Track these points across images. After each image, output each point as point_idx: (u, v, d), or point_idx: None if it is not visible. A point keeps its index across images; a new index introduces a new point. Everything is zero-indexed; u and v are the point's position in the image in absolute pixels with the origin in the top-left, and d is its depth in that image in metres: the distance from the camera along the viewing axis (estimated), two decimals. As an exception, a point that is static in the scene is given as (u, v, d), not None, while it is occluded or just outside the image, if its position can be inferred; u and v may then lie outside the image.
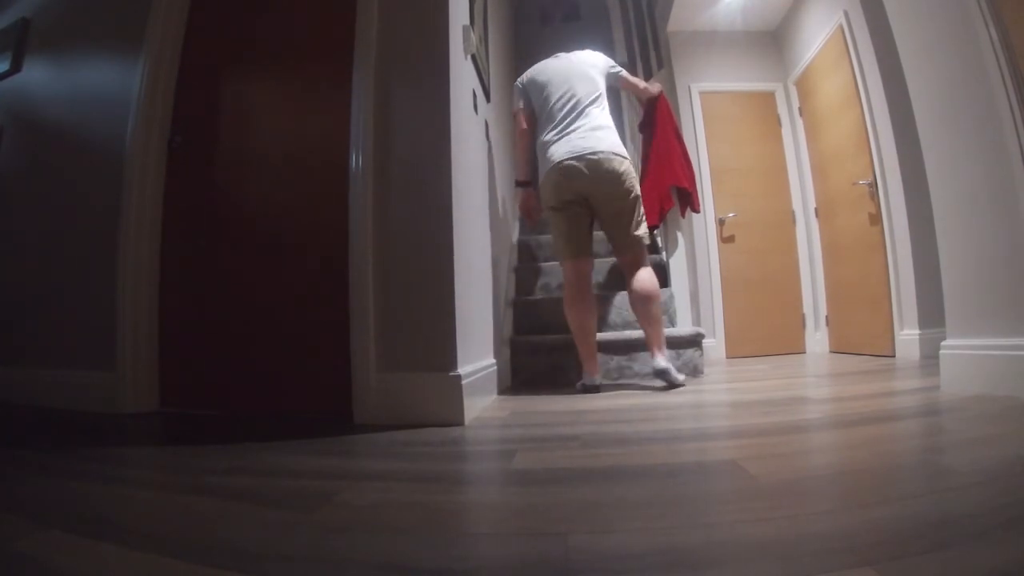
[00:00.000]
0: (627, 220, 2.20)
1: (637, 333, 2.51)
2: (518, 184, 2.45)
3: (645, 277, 2.18)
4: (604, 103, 2.29)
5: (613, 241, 2.25)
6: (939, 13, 1.64)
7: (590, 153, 2.13)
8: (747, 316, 3.78)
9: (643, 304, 2.16)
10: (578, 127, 2.19)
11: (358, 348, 1.57)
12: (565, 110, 2.22)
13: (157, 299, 1.91)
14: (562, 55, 2.40)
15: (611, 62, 2.40)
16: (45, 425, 1.62)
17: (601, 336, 2.51)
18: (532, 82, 2.34)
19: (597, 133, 2.18)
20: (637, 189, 2.24)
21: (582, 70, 2.30)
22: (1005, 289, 1.49)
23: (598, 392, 2.10)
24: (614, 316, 2.75)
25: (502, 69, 3.34)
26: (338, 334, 1.62)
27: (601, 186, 2.14)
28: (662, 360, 2.08)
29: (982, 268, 1.57)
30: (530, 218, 2.46)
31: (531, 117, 2.34)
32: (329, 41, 1.80)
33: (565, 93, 2.24)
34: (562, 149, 2.15)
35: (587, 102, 2.23)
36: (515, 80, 2.46)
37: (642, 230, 2.24)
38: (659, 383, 2.13)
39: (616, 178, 2.15)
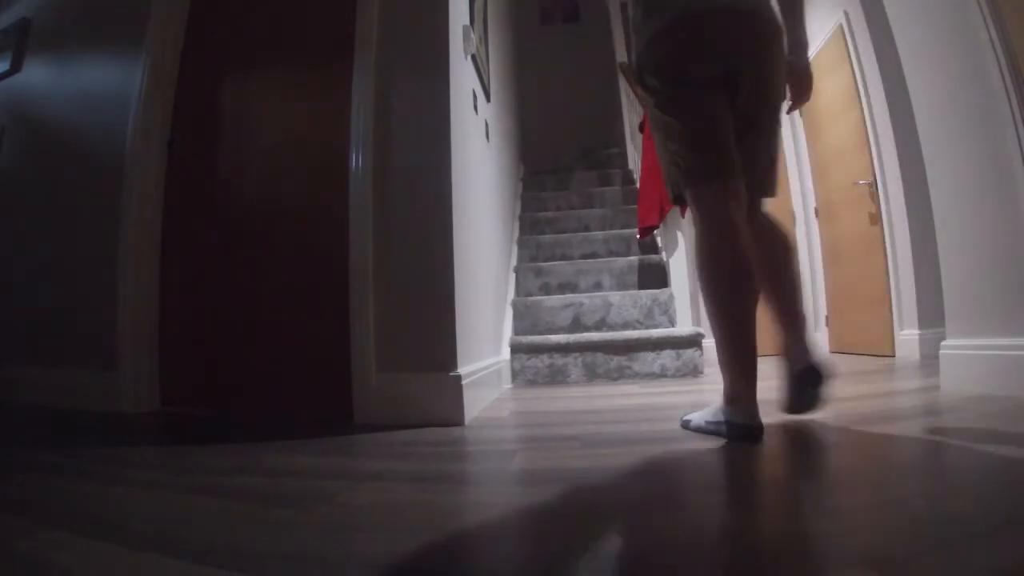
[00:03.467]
0: None
1: (637, 333, 2.51)
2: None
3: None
4: None
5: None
6: (939, 13, 1.64)
7: None
8: (747, 316, 3.77)
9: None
10: None
11: (358, 348, 1.57)
12: None
13: (157, 299, 1.91)
14: None
15: None
16: (46, 425, 1.62)
17: (601, 336, 2.51)
18: None
19: None
20: None
21: None
22: (1005, 289, 1.49)
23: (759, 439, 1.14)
24: (613, 316, 2.75)
25: (502, 69, 3.34)
26: (338, 334, 1.62)
27: None
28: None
29: (982, 268, 1.57)
30: None
31: None
32: (329, 41, 1.80)
33: None
34: None
35: None
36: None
37: None
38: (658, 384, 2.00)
39: None
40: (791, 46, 1.28)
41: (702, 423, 1.24)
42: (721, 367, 1.21)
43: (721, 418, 1.18)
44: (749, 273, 1.17)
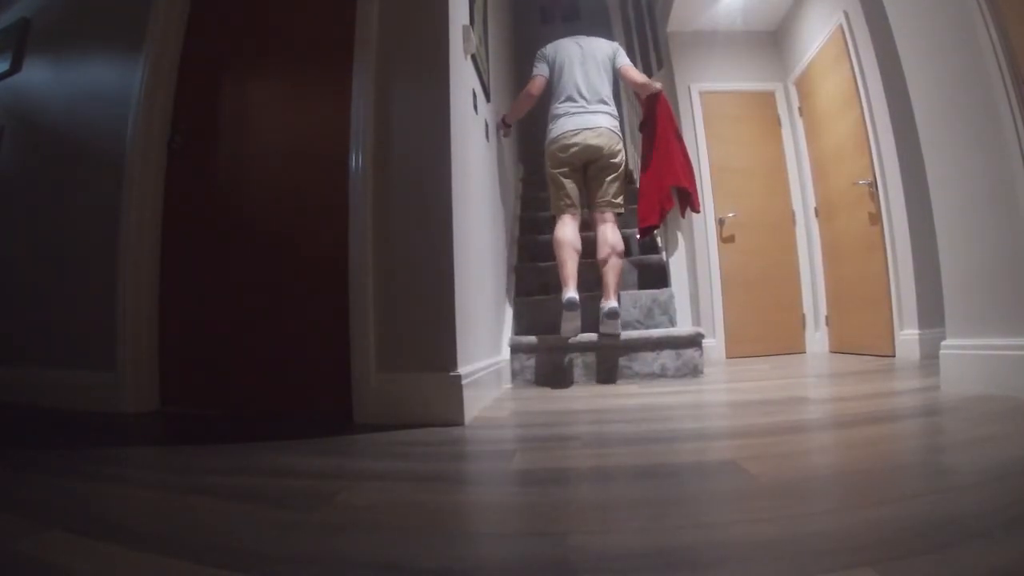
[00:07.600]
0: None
1: (636, 333, 2.52)
2: (505, 123, 2.87)
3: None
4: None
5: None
6: (939, 13, 1.64)
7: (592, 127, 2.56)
8: (747, 316, 3.78)
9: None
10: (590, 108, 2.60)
11: (358, 348, 1.57)
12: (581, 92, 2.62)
13: (157, 299, 1.91)
14: (582, 40, 2.75)
15: (619, 54, 2.74)
16: (46, 425, 1.62)
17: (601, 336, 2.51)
18: (554, 59, 2.71)
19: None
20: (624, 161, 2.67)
21: (600, 59, 2.68)
22: (1005, 289, 1.49)
23: (576, 309, 2.40)
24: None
25: (502, 69, 3.34)
26: (338, 334, 1.62)
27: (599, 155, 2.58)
28: (614, 302, 2.44)
29: (982, 268, 1.57)
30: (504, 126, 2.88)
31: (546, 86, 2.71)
32: (329, 41, 1.80)
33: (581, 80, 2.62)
34: (571, 123, 2.57)
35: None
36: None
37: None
38: (661, 377, 2.12)
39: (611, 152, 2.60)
40: None
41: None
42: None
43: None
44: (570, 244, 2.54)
